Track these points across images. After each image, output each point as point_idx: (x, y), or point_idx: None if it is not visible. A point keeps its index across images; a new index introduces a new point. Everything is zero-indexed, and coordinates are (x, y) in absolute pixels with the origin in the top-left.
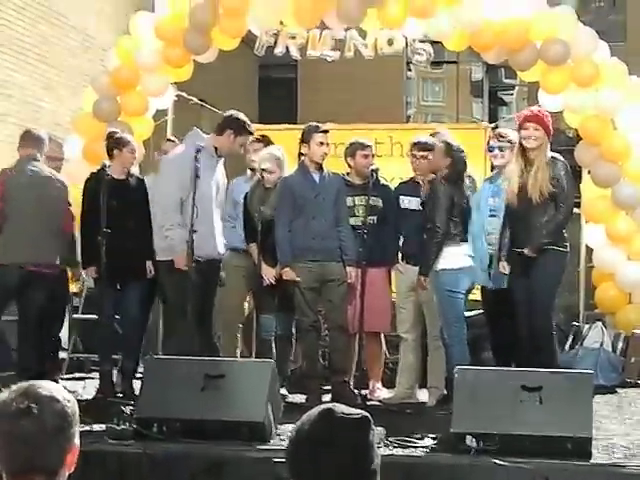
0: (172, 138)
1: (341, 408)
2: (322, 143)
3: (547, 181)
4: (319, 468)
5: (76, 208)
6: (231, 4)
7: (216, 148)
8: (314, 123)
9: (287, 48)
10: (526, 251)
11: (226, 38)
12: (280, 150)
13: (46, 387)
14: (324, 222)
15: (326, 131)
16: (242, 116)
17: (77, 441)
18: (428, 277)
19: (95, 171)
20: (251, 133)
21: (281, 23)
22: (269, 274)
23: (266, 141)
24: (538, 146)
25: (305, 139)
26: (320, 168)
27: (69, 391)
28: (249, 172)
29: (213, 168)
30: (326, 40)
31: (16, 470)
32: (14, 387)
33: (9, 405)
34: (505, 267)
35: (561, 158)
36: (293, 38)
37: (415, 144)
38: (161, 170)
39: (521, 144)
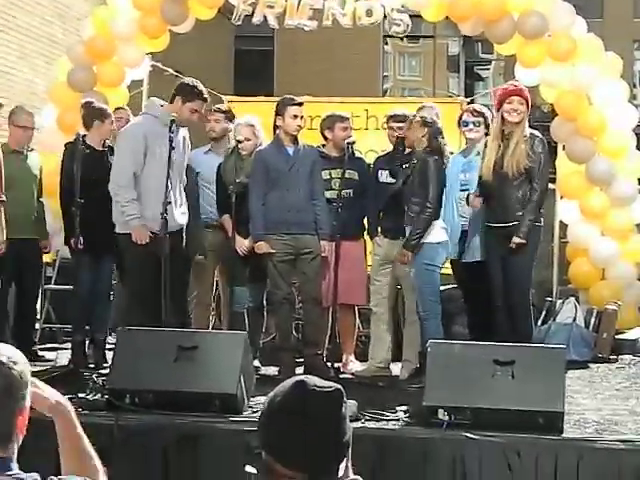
0: (123, 107)
1: (314, 380)
2: (296, 116)
3: (524, 156)
4: (290, 439)
5: (51, 178)
6: None
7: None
8: (289, 96)
9: (265, 17)
10: (516, 240)
11: (203, 8)
12: (255, 119)
13: None
14: (298, 194)
15: (300, 104)
16: (193, 82)
17: (27, 404)
18: (412, 253)
19: (71, 141)
20: (203, 99)
21: None
22: (242, 246)
23: (230, 114)
24: (520, 120)
25: (279, 111)
26: (295, 141)
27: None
28: (211, 143)
29: (166, 138)
30: (304, 9)
31: None
32: None
33: None
34: (476, 202)
35: (539, 134)
36: (271, 7)
37: (391, 116)
38: (117, 143)
39: (503, 118)
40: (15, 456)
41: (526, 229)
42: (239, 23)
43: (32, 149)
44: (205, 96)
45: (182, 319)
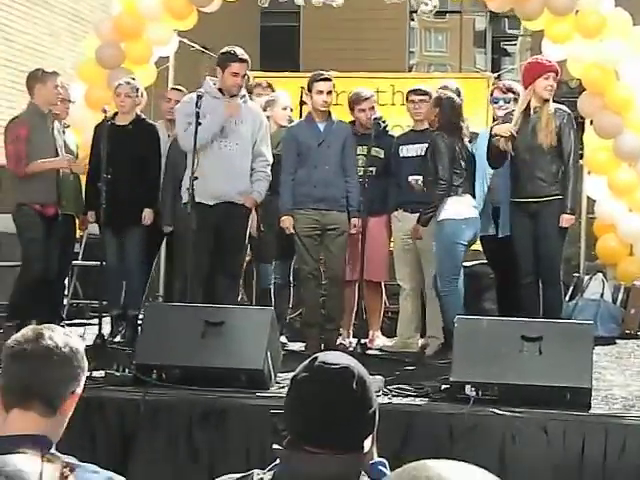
0: (179, 88)
1: (327, 358)
2: (321, 91)
3: (555, 131)
4: (311, 418)
5: (81, 153)
6: None
7: (221, 90)
8: (318, 72)
9: None
10: (566, 217)
11: None
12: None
13: (59, 330)
14: (327, 170)
15: (327, 79)
16: (227, 48)
17: (79, 390)
18: (425, 227)
19: (104, 118)
20: (240, 60)
21: None
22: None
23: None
24: (547, 95)
25: (309, 88)
26: (328, 117)
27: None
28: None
29: (219, 107)
30: None
31: (14, 396)
32: (29, 327)
33: (20, 341)
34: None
35: (567, 109)
36: None
37: (412, 91)
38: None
39: (535, 93)
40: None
41: (574, 204)
42: (265, 5)
43: (68, 125)
44: (241, 57)
45: (230, 295)
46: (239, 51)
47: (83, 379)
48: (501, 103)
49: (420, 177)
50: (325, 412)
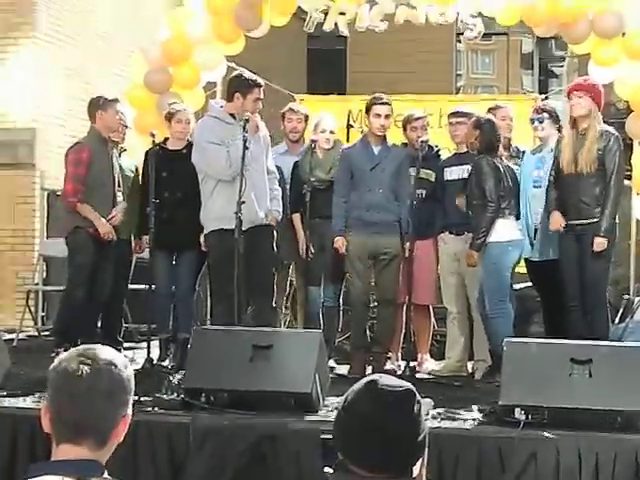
0: None
1: (386, 380)
2: (379, 115)
3: (596, 153)
4: (364, 441)
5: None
6: None
7: (233, 115)
8: (377, 95)
9: (336, 24)
10: (598, 240)
11: (277, 14)
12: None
13: (105, 351)
14: (380, 194)
15: (385, 103)
16: (242, 73)
17: (129, 411)
18: (479, 252)
19: (153, 143)
20: (259, 85)
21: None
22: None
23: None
24: (586, 114)
25: (367, 110)
26: (383, 140)
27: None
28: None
29: (236, 132)
30: (376, 15)
31: (64, 432)
32: (74, 349)
33: (66, 365)
34: (558, 220)
35: (614, 131)
36: (343, 14)
37: (451, 113)
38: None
39: (571, 114)
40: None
41: (608, 227)
42: (311, 31)
43: (125, 149)
44: (260, 82)
45: (267, 318)
46: (254, 76)
47: (131, 399)
48: (536, 124)
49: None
50: (383, 435)
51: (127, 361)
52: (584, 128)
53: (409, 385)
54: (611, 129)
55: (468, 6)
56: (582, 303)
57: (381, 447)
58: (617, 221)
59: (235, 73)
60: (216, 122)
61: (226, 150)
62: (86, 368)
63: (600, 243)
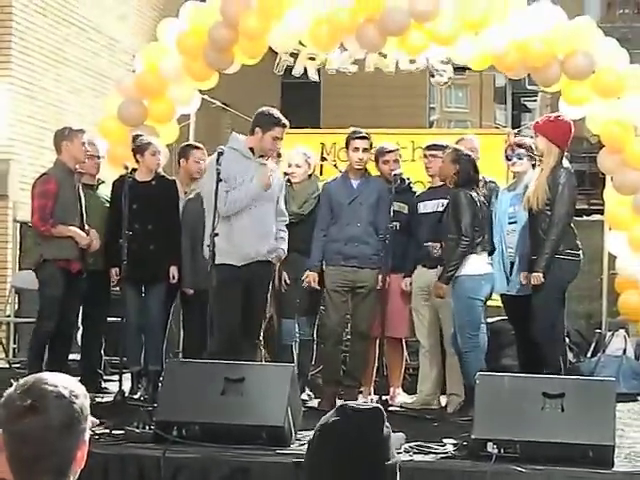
0: (197, 145)
1: (353, 403)
2: (357, 149)
3: (545, 191)
4: (332, 461)
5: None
6: (249, 28)
7: (252, 149)
8: (355, 129)
9: (305, 69)
10: (532, 275)
11: (246, 57)
12: (307, 150)
13: (52, 381)
14: (358, 228)
15: (364, 137)
16: (269, 110)
17: (87, 437)
18: (447, 285)
19: (122, 174)
20: (282, 125)
21: (300, 43)
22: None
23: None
24: (542, 154)
25: (346, 144)
26: (362, 174)
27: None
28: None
29: (250, 169)
30: (345, 59)
31: (22, 471)
32: (20, 382)
33: (13, 402)
34: (525, 277)
35: (567, 164)
36: (312, 59)
37: (427, 147)
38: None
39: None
40: None
41: (543, 263)
42: (281, 73)
43: (102, 182)
44: (284, 122)
45: (251, 353)
46: (281, 115)
47: (89, 424)
48: (514, 159)
49: (438, 244)
50: (355, 455)
51: (77, 385)
52: (541, 166)
53: (377, 405)
54: (565, 163)
55: (438, 54)
56: (532, 337)
57: (349, 466)
58: (579, 257)
59: (262, 109)
60: (234, 155)
61: (225, 191)
62: (35, 405)
63: (535, 277)
